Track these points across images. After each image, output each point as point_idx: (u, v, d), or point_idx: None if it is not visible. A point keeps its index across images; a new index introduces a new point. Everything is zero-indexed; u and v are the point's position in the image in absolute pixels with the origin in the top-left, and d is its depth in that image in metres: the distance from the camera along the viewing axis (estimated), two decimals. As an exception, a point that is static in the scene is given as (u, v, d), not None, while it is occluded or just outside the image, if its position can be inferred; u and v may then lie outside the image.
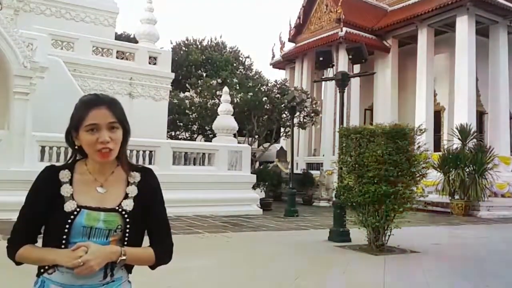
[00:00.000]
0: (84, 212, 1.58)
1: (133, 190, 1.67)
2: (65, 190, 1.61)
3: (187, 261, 6.47)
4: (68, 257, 1.50)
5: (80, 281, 1.55)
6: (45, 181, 1.64)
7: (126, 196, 1.66)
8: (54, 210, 1.58)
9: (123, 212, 1.62)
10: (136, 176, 1.71)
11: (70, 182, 1.64)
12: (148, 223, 1.69)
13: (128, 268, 1.68)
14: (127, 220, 1.61)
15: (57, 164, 1.74)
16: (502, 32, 21.61)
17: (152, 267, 1.71)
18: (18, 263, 1.64)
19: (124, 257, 1.57)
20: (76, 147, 1.66)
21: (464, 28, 20.48)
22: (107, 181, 1.67)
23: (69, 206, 1.58)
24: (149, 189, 1.71)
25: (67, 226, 1.56)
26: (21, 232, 1.62)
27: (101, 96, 1.69)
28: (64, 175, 1.65)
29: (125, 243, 1.61)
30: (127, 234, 1.61)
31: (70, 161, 1.71)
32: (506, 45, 21.71)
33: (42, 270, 1.60)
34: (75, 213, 1.57)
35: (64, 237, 1.56)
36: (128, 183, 1.69)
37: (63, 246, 1.56)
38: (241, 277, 6.13)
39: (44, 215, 1.60)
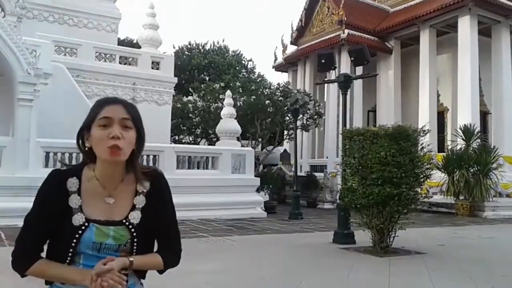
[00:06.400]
0: (94, 228, 1.54)
1: (141, 201, 1.62)
2: (73, 201, 1.55)
3: (193, 265, 6.48)
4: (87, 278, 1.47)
5: None
6: (53, 190, 1.56)
7: (133, 207, 1.61)
8: (62, 221, 1.53)
9: (130, 226, 1.58)
10: (146, 185, 1.64)
11: (79, 191, 1.57)
12: (157, 229, 1.65)
13: (140, 274, 1.67)
14: (134, 234, 1.58)
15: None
16: (505, 31, 21.57)
17: (161, 272, 1.70)
18: (24, 275, 1.58)
19: (130, 271, 1.56)
20: (86, 148, 1.58)
21: (466, 28, 20.45)
22: (116, 190, 1.60)
23: (77, 219, 1.53)
24: (158, 198, 1.66)
25: (74, 240, 1.52)
26: (29, 242, 1.55)
27: (118, 97, 1.70)
28: (72, 183, 1.57)
29: (134, 254, 1.58)
30: (135, 247, 1.58)
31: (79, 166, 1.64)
32: (508, 45, 21.66)
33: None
34: (83, 227, 1.53)
35: (71, 250, 1.53)
36: (137, 192, 1.63)
37: (69, 257, 1.53)
38: (246, 281, 6.14)
39: (53, 225, 1.54)
